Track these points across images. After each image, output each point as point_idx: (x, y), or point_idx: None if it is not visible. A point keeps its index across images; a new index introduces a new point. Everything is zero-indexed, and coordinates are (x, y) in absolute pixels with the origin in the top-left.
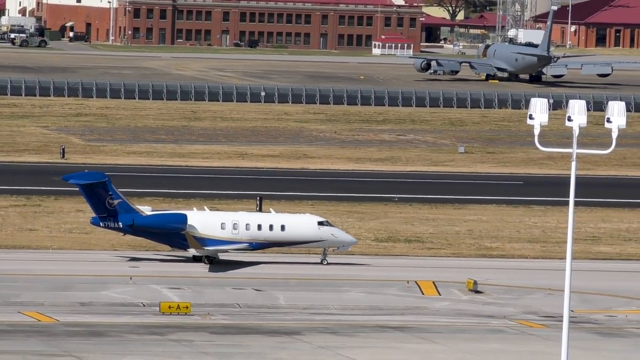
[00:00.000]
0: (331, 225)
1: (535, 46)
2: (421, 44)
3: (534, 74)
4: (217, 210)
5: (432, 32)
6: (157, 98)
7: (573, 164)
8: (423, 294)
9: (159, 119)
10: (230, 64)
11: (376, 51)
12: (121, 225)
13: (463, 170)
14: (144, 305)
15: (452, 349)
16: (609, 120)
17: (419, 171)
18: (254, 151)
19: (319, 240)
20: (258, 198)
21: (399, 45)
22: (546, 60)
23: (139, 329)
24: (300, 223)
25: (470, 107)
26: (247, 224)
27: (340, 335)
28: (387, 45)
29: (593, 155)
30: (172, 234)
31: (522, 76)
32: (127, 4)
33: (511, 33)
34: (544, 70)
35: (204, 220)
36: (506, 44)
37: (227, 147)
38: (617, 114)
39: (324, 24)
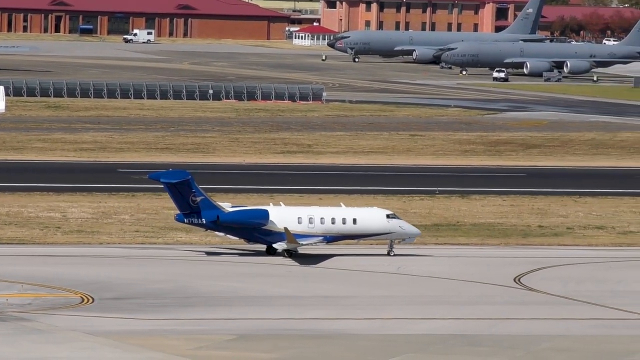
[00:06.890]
0: (398, 218)
1: None
2: None
3: None
4: None
5: None
6: None
7: None
8: None
9: None
10: None
11: None
12: (204, 222)
13: None
14: None
15: None
16: None
17: None
18: None
19: (388, 233)
20: None
21: None
22: None
23: None
24: (370, 216)
25: None
26: (321, 218)
27: None
28: None
29: None
30: (253, 229)
31: None
32: None
33: None
34: None
35: (282, 215)
36: None
37: None
38: None
39: None
